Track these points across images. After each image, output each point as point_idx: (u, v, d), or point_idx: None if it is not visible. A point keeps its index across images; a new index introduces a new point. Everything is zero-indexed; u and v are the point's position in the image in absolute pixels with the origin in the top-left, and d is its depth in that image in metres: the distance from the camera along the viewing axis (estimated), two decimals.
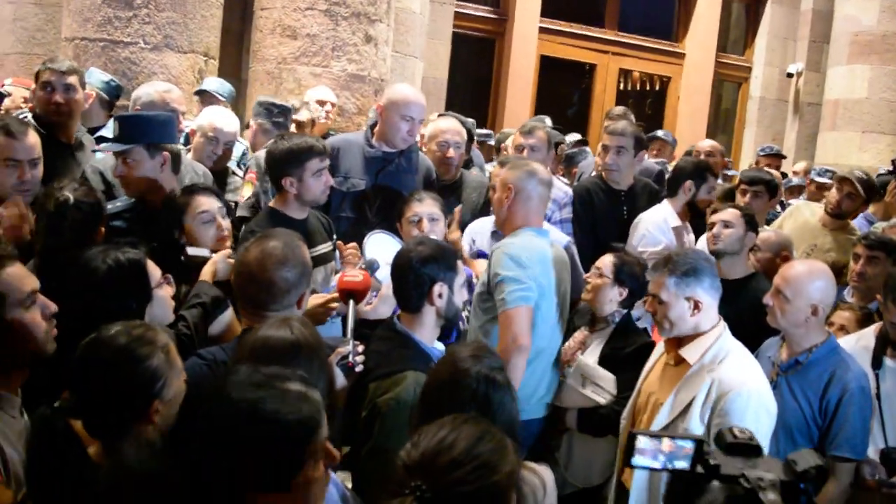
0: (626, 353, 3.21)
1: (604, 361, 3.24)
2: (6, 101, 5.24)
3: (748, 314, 3.21)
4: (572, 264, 3.73)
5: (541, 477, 2.07)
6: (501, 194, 3.29)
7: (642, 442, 1.44)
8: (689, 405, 2.69)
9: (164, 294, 2.45)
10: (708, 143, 6.05)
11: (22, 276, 1.92)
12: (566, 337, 3.44)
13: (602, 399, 3.17)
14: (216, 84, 5.24)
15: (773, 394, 2.99)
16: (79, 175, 3.59)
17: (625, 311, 3.36)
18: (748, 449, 1.46)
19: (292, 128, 4.81)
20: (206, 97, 5.10)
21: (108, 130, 4.46)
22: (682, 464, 1.43)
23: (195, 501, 1.43)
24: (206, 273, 2.80)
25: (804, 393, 2.98)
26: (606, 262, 3.37)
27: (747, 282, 3.64)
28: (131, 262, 2.34)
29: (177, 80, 5.30)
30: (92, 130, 4.34)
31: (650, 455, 1.44)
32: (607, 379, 3.19)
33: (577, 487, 3.22)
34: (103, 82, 4.61)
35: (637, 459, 1.45)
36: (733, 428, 1.49)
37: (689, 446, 1.43)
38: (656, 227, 4.15)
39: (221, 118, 4.26)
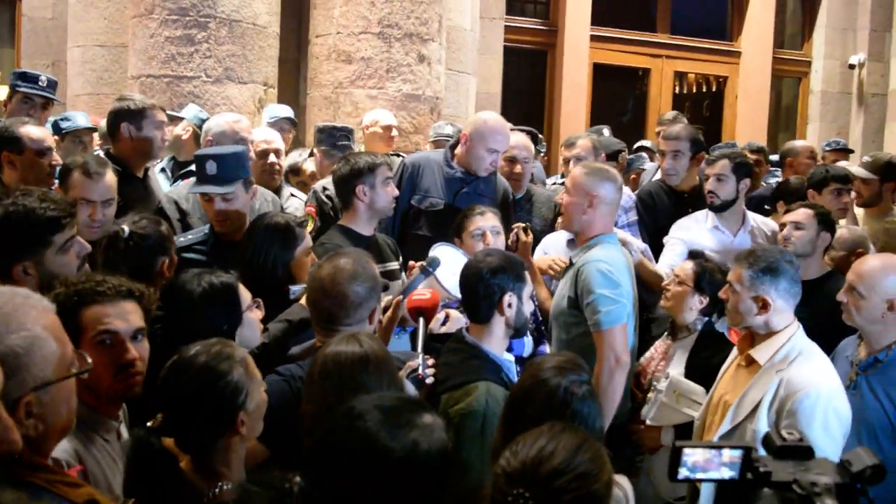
0: (715, 363, 3.08)
1: (691, 372, 3.16)
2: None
3: (825, 315, 3.14)
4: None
5: (623, 488, 2.07)
6: (580, 200, 3.23)
7: (688, 454, 1.38)
8: (758, 406, 2.64)
9: (254, 317, 2.52)
10: (802, 145, 5.89)
11: (133, 312, 2.01)
12: (642, 345, 3.40)
13: (696, 413, 3.06)
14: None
15: (853, 394, 2.92)
16: (152, 204, 3.71)
17: (706, 318, 3.29)
18: (799, 451, 1.39)
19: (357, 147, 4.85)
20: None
21: None
22: (730, 473, 1.37)
23: None
24: (304, 298, 2.87)
25: (886, 392, 2.91)
26: (687, 268, 3.31)
27: (823, 282, 3.54)
28: (224, 285, 2.44)
29: (238, 110, 5.46)
30: (185, 164, 4.48)
31: (697, 468, 1.39)
32: (699, 392, 3.08)
33: (664, 500, 3.17)
34: (200, 119, 4.74)
35: (682, 472, 1.39)
36: (781, 430, 1.42)
37: (736, 455, 1.37)
38: (679, 227, 4.07)
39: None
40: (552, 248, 3.85)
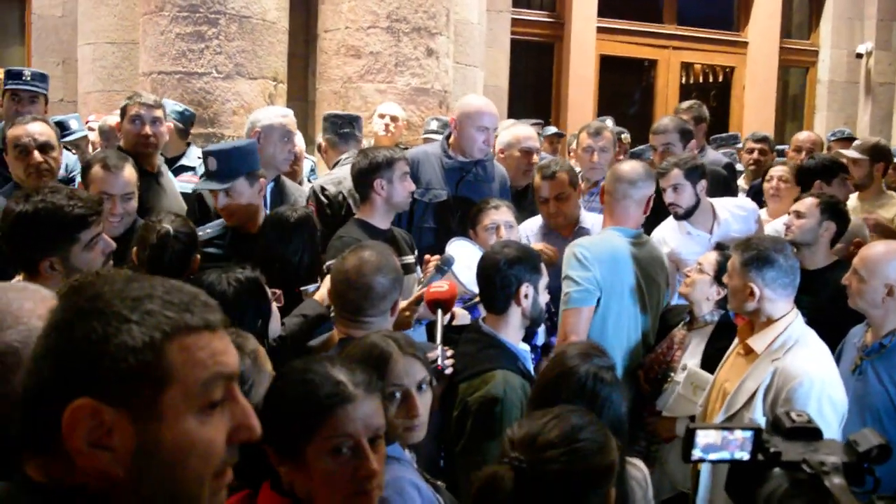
0: None
1: (707, 362, 3.16)
2: (92, 136, 5.50)
3: (829, 304, 3.16)
4: None
5: (642, 470, 2.13)
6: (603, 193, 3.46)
7: (701, 436, 1.41)
8: (754, 395, 2.66)
9: (275, 309, 2.57)
10: (806, 136, 5.93)
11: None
12: (660, 335, 3.44)
13: None
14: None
15: (858, 379, 2.96)
16: (166, 200, 3.77)
17: (723, 311, 3.28)
18: (807, 432, 1.42)
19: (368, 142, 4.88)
20: None
21: (188, 159, 4.65)
22: (741, 454, 1.40)
23: None
24: (318, 293, 2.93)
25: (890, 376, 2.94)
26: (710, 258, 3.32)
27: (828, 271, 3.54)
28: (250, 280, 2.47)
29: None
30: (172, 160, 4.52)
31: (709, 449, 1.41)
32: None
33: (675, 490, 3.19)
34: (177, 112, 4.73)
35: (696, 454, 1.42)
36: (790, 412, 1.45)
37: (747, 436, 1.39)
38: (657, 240, 3.96)
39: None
40: (529, 233, 3.95)
